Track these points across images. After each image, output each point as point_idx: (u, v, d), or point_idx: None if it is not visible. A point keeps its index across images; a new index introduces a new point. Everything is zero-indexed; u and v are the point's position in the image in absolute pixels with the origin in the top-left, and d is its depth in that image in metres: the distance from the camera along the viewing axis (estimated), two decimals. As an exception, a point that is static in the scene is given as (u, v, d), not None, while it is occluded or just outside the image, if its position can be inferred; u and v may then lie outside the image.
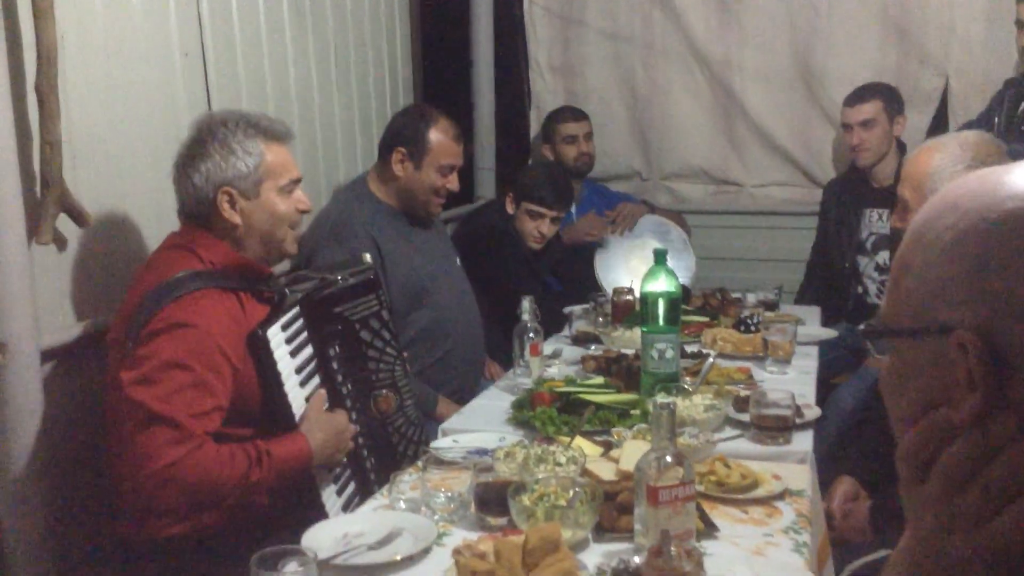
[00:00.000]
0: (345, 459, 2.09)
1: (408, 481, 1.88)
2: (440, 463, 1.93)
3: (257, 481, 1.84)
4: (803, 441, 2.11)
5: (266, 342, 1.93)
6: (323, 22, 3.29)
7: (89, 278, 2.19)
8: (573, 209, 3.93)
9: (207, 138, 2.00)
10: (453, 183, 3.00)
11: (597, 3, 4.45)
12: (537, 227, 3.51)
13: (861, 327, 0.81)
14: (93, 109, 2.19)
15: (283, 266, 2.47)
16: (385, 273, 2.80)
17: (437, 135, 2.94)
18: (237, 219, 2.01)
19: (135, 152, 2.31)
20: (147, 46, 2.37)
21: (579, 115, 4.21)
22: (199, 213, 2.00)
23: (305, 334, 2.04)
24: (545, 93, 4.62)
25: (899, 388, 0.76)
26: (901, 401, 0.75)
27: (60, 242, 2.09)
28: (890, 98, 3.69)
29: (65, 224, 2.08)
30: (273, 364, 1.94)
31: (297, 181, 2.11)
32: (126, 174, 2.28)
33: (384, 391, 2.23)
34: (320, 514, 1.97)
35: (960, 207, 0.71)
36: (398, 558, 1.57)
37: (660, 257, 2.34)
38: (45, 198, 1.97)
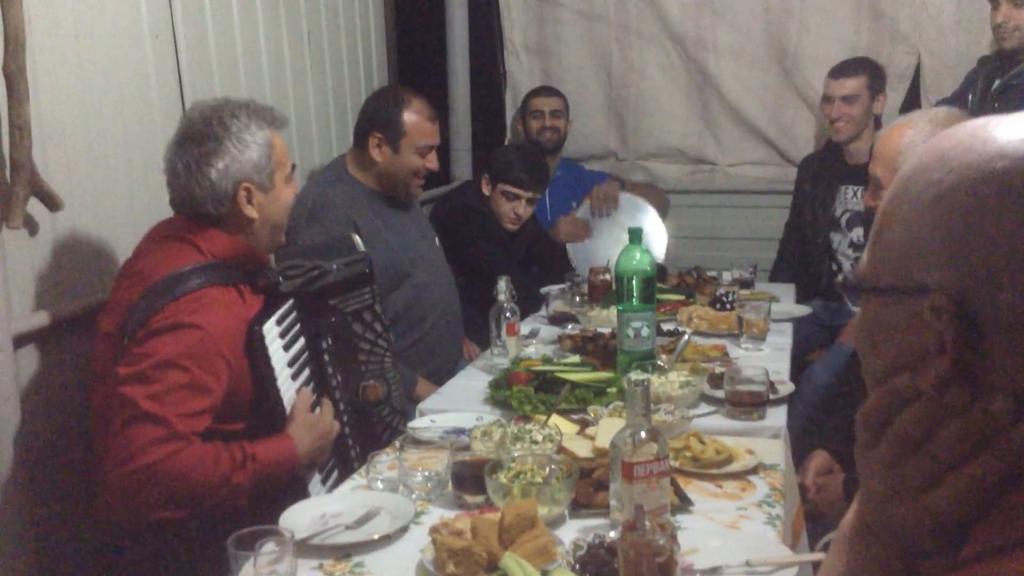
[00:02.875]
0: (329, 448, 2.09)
1: (385, 461, 1.89)
2: (417, 443, 1.94)
3: (238, 484, 1.81)
4: (777, 416, 2.13)
5: (261, 338, 1.92)
6: (296, 3, 3.26)
7: (60, 262, 2.17)
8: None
9: (221, 133, 1.93)
10: (432, 163, 2.99)
11: (571, -17, 4.45)
12: (513, 208, 3.52)
13: (839, 278, 0.80)
14: (63, 92, 2.16)
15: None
16: None
17: (412, 117, 2.92)
18: (254, 213, 1.98)
19: (105, 135, 2.28)
20: (117, 28, 2.34)
21: (550, 92, 4.28)
22: (213, 211, 1.95)
23: (298, 327, 2.04)
24: (520, 74, 4.62)
25: (870, 346, 0.75)
26: (872, 360, 0.75)
27: (31, 226, 2.07)
28: (874, 75, 3.71)
29: (35, 208, 2.06)
30: (267, 359, 1.93)
31: (294, 167, 2.11)
32: (97, 157, 2.26)
33: (373, 381, 2.23)
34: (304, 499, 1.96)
35: (948, 161, 0.69)
36: (375, 537, 1.58)
37: (635, 236, 2.35)
38: (15, 182, 1.95)
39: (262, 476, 1.85)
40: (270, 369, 1.93)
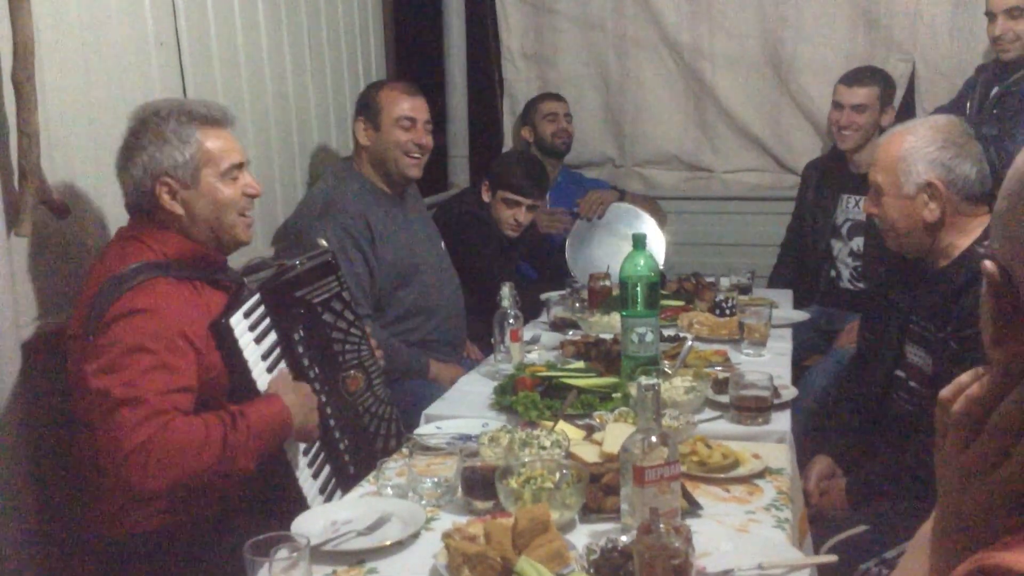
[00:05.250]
0: (318, 440, 2.08)
1: (394, 468, 1.90)
2: (425, 449, 1.95)
3: (236, 444, 1.80)
4: (781, 421, 2.15)
5: (230, 330, 1.92)
6: (297, 11, 3.28)
7: (67, 269, 2.17)
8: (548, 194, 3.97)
9: (140, 129, 1.98)
10: (420, 137, 2.99)
11: (568, -9, 4.47)
12: (513, 215, 3.54)
13: (981, 248, 0.86)
14: (69, 100, 2.17)
15: (241, 257, 2.45)
16: (375, 249, 2.85)
17: (386, 93, 3.00)
18: (179, 209, 1.99)
19: (111, 142, 2.27)
20: (122, 35, 2.35)
21: (559, 97, 4.35)
22: (142, 205, 2.00)
23: (268, 320, 2.03)
24: (518, 81, 4.64)
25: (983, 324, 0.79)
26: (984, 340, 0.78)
27: (38, 234, 2.07)
28: (885, 87, 3.70)
29: (42, 216, 2.05)
30: (239, 352, 1.93)
31: (240, 165, 2.08)
32: (103, 164, 2.25)
33: (351, 372, 2.23)
34: (298, 498, 1.96)
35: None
36: (387, 543, 1.59)
37: (639, 242, 2.36)
38: (24, 190, 1.96)
39: (257, 432, 1.84)
40: (243, 361, 1.93)
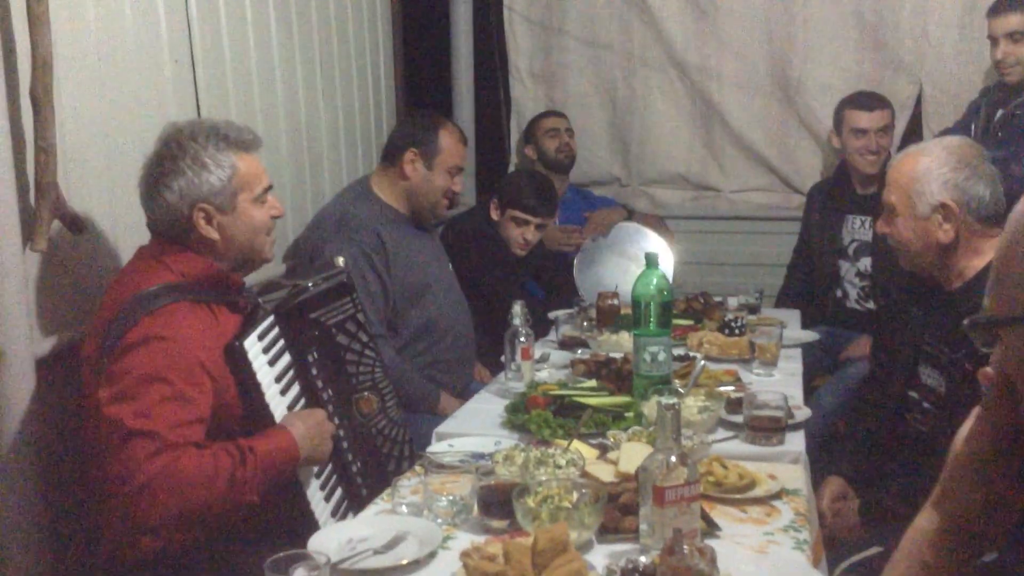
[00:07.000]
0: (330, 463, 2.07)
1: (408, 485, 1.89)
2: (440, 467, 1.94)
3: (244, 479, 1.79)
4: (796, 441, 2.14)
5: (244, 353, 1.91)
6: (308, 30, 3.30)
7: (81, 284, 2.17)
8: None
9: (178, 154, 1.94)
10: (459, 185, 3.11)
11: (576, 11, 4.49)
12: (522, 234, 3.54)
13: (966, 321, 0.82)
14: (85, 115, 2.17)
15: (261, 274, 2.45)
16: (388, 269, 2.86)
17: (447, 137, 3.04)
18: (215, 234, 1.97)
19: (126, 158, 2.28)
20: (138, 53, 2.36)
21: (560, 113, 4.38)
22: (172, 230, 1.97)
23: (282, 342, 2.02)
24: (526, 100, 4.65)
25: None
26: None
27: (53, 249, 2.07)
28: (892, 108, 3.77)
29: (56, 231, 2.06)
30: (252, 374, 1.92)
31: (269, 188, 2.08)
32: (117, 180, 2.27)
33: (365, 393, 2.22)
34: (309, 520, 1.95)
35: None
36: (404, 562, 1.58)
37: (652, 261, 2.37)
38: (40, 204, 1.96)
39: (264, 468, 1.83)
40: (256, 385, 1.92)
